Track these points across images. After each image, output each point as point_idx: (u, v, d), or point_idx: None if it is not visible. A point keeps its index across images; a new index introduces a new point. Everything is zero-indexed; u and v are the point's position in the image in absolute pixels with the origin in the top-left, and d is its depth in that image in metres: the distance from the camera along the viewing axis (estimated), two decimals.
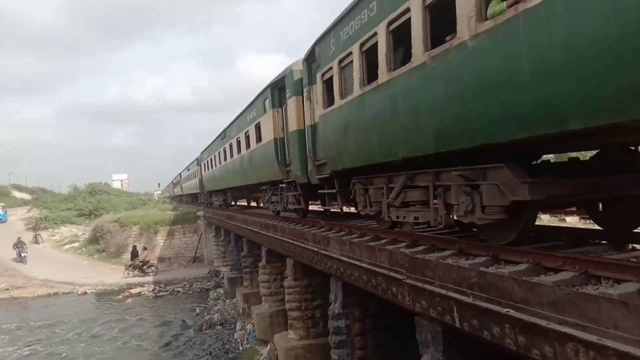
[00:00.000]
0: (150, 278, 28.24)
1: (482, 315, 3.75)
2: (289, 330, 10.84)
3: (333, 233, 8.49)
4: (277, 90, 12.29)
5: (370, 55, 6.59)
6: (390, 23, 5.85)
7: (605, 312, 2.73)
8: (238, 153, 17.34)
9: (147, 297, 24.35)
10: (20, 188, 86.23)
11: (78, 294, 25.65)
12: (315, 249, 8.06)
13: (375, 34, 6.27)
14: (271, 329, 12.81)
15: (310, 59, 9.44)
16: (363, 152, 7.07)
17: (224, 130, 20.46)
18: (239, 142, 17.18)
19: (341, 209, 9.93)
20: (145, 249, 31.28)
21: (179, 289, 25.41)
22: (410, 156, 5.81)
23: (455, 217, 5.39)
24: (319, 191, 9.96)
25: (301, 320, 10.50)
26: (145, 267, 29.28)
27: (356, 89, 7.00)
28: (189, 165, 40.23)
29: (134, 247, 31.26)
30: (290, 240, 9.83)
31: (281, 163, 12.12)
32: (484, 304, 3.71)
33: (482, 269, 4.08)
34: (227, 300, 20.32)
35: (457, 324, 4.08)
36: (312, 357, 10.23)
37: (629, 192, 4.75)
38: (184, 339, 16.62)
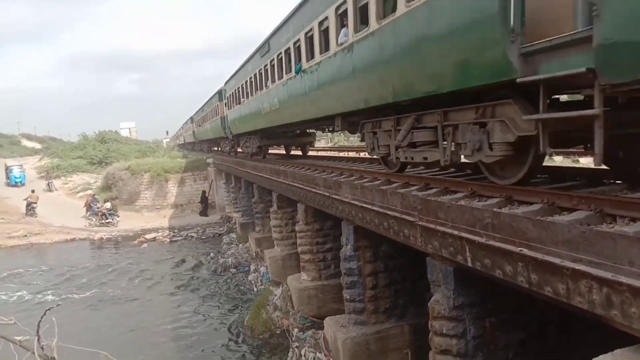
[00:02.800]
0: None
1: (494, 255, 3.79)
2: (301, 272, 11.15)
3: (344, 177, 8.50)
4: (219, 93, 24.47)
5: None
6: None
7: (621, 249, 2.74)
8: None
9: (162, 242, 25.04)
10: (30, 137, 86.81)
11: (94, 240, 26.44)
12: (327, 194, 8.11)
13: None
14: (284, 271, 13.17)
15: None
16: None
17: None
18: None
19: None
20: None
21: (193, 234, 26.03)
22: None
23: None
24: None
25: (313, 263, 10.78)
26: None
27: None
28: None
29: (203, 192, 31.19)
30: (301, 186, 9.88)
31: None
32: (497, 244, 3.75)
33: (495, 209, 4.08)
34: (240, 245, 20.80)
35: (469, 264, 4.15)
36: (324, 297, 10.58)
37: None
38: (200, 280, 17.24)
